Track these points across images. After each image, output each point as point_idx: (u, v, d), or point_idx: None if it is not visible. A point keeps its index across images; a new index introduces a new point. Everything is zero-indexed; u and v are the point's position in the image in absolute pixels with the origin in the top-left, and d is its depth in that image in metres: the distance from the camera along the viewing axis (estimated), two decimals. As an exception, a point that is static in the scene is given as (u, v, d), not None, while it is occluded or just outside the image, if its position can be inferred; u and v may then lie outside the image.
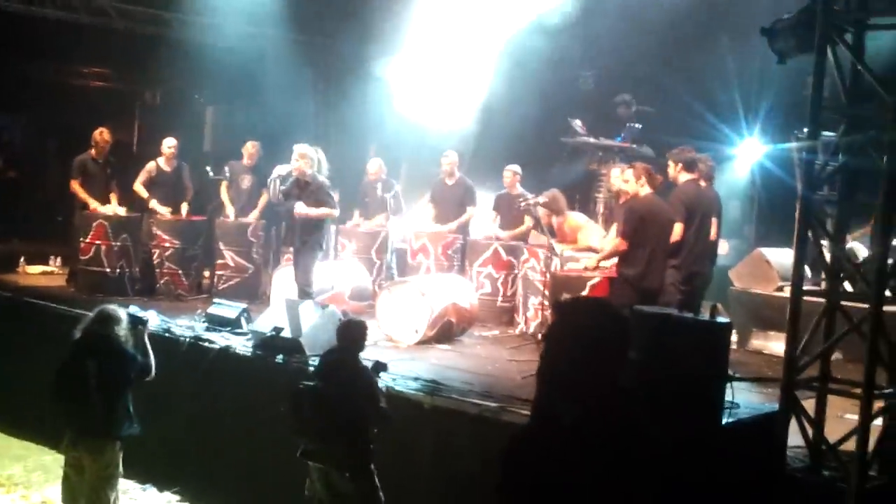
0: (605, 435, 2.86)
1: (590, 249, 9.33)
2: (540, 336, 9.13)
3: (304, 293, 9.15)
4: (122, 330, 6.53)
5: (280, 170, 9.19)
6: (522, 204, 9.94)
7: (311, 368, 7.64)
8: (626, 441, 2.88)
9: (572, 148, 11.83)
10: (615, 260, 8.14)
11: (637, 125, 11.28)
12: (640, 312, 6.00)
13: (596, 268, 8.50)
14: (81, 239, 10.63)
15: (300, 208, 9.15)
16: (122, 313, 6.60)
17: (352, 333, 6.49)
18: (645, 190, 7.98)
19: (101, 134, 11.01)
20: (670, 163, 8.34)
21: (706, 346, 5.83)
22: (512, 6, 11.32)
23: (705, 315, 6.06)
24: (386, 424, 6.22)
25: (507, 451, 3.05)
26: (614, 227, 9.28)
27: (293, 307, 8.44)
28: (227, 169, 11.30)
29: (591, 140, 11.51)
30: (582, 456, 2.85)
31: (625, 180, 8.28)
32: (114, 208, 10.87)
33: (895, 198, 5.90)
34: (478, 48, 11.71)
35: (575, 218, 10.15)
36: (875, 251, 6.04)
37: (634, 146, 11.41)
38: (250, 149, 11.38)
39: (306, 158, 9.24)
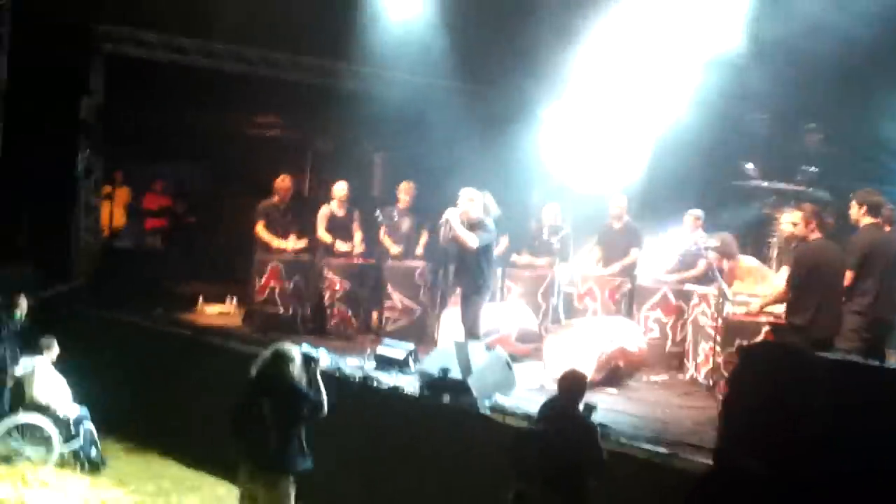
0: (789, 488, 2.76)
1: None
2: (711, 381, 8.91)
3: (472, 335, 9.19)
4: (296, 368, 6.70)
5: (451, 213, 9.29)
6: (705, 248, 9.71)
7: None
8: (811, 495, 2.78)
9: (745, 192, 11.53)
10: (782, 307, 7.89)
11: (813, 168, 10.90)
12: (821, 359, 5.74)
13: (759, 312, 8.27)
14: (257, 280, 11.03)
15: (454, 221, 9.20)
16: (295, 352, 6.78)
17: (572, 384, 6.57)
18: (814, 235, 7.74)
19: (283, 181, 11.46)
20: (854, 204, 8.00)
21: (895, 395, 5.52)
22: (683, 46, 11.17)
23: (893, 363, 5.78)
24: (603, 474, 6.22)
25: (690, 494, 2.99)
26: (783, 270, 8.99)
27: (462, 348, 8.49)
28: (393, 213, 11.49)
29: (764, 184, 11.21)
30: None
31: (793, 223, 8.04)
32: (292, 243, 11.27)
33: None
34: (646, 89, 11.60)
35: (747, 262, 9.88)
36: None
37: (810, 189, 11.04)
38: (405, 188, 11.55)
39: (473, 201, 9.34)
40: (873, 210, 7.95)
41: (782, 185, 11.13)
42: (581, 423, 6.32)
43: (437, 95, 13.79)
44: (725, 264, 9.65)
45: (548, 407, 6.62)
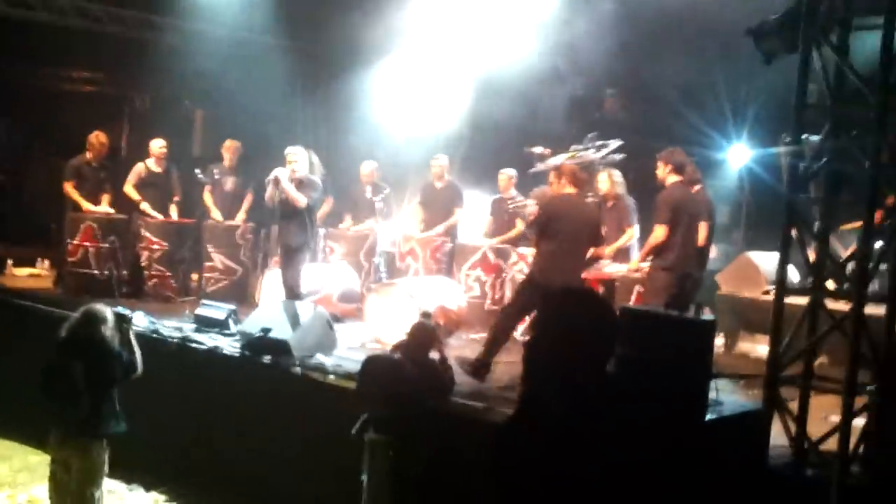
0: (590, 426, 2.88)
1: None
2: (528, 338, 9.15)
3: (293, 294, 9.18)
4: (108, 329, 6.53)
5: (280, 172, 9.25)
6: (512, 206, 10.00)
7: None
8: (610, 432, 2.91)
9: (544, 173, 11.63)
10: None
11: (594, 133, 11.10)
12: (626, 308, 6.03)
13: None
14: (69, 241, 10.63)
15: (284, 180, 9.28)
16: (107, 312, 6.59)
17: (423, 334, 6.97)
18: (673, 178, 8.16)
19: (97, 137, 11.00)
20: (660, 164, 8.34)
21: (690, 343, 5.87)
22: (498, 12, 11.36)
23: (691, 314, 6.10)
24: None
25: (496, 438, 3.08)
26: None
27: (291, 307, 8.49)
28: (216, 172, 11.29)
29: (555, 162, 11.28)
30: (569, 444, 2.87)
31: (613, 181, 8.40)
32: (104, 208, 10.87)
33: (878, 198, 5.97)
34: (466, 54, 11.75)
35: None
36: (857, 251, 6.09)
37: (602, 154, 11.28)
38: (229, 146, 11.37)
39: (299, 159, 9.38)
40: (679, 169, 8.32)
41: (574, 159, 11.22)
42: (429, 364, 6.86)
43: (261, 53, 13.57)
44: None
45: (401, 343, 6.98)
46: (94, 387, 6.36)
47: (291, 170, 9.39)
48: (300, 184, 9.38)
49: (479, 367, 7.81)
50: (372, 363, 6.93)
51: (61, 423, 6.45)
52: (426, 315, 7.47)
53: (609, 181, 9.63)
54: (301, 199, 9.27)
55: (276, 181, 9.27)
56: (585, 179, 8.37)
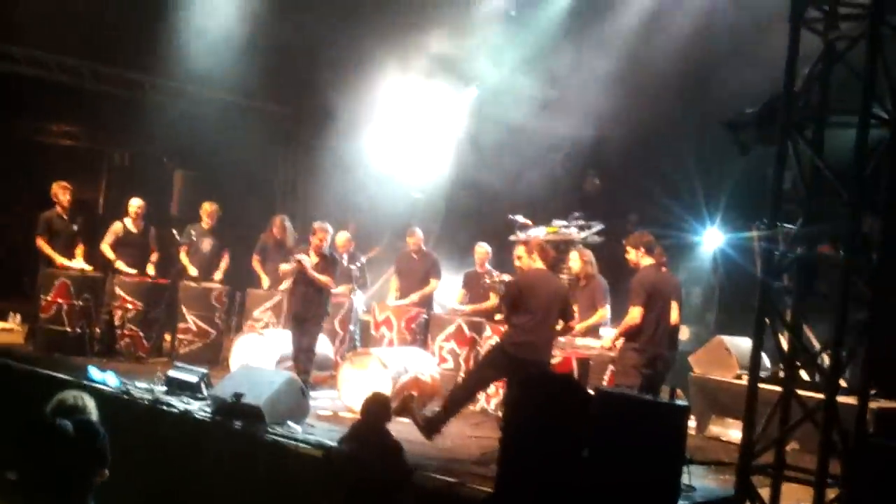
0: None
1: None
2: (500, 413, 9.18)
3: (309, 362, 9.70)
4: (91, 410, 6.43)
5: (302, 258, 9.79)
6: (488, 281, 10.10)
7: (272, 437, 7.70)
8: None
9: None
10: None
11: (578, 213, 11.23)
12: (601, 391, 6.08)
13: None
14: (43, 297, 10.56)
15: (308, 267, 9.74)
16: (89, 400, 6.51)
17: (377, 408, 6.75)
18: (646, 260, 8.26)
19: (59, 185, 10.93)
20: (629, 248, 8.48)
21: (664, 427, 5.91)
22: (480, 80, 11.60)
23: (665, 398, 6.16)
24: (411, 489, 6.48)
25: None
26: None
27: (263, 373, 8.58)
28: (193, 233, 11.32)
29: (536, 234, 11.40)
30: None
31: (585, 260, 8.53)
32: (79, 263, 10.82)
33: (850, 289, 6.09)
34: (446, 123, 11.93)
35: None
36: (830, 342, 6.20)
37: (583, 234, 11.42)
38: (208, 209, 11.41)
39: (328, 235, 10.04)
40: (650, 250, 8.45)
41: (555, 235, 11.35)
42: (387, 442, 6.55)
43: (243, 114, 13.70)
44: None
45: (357, 430, 6.74)
46: (79, 453, 6.19)
47: (316, 245, 9.86)
48: (325, 260, 9.87)
49: (434, 425, 7.90)
50: (336, 457, 6.78)
51: (41, 492, 6.24)
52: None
53: (580, 261, 9.73)
54: (330, 284, 9.87)
55: (301, 266, 9.72)
56: (553, 255, 8.48)
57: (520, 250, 8.56)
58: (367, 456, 6.42)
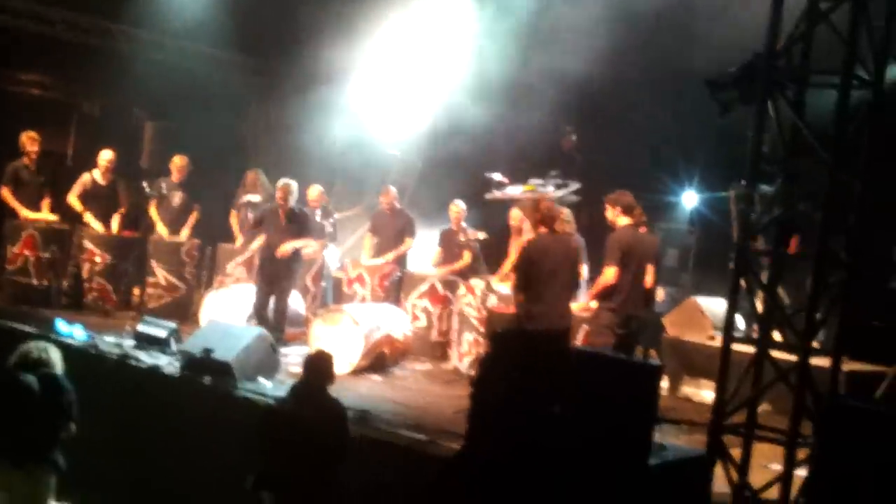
0: (533, 465, 2.87)
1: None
2: (473, 372, 9.14)
3: (282, 320, 9.67)
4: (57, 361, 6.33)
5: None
6: (463, 239, 10.02)
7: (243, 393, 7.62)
8: (554, 473, 2.90)
9: (499, 201, 11.59)
10: None
11: (556, 171, 11.11)
12: (575, 350, 6.03)
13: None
14: (9, 248, 10.39)
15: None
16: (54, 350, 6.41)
17: (320, 365, 6.47)
18: (623, 220, 8.17)
19: (28, 135, 10.71)
20: (608, 206, 8.39)
21: (636, 387, 5.86)
22: (459, 43, 11.44)
23: (638, 358, 6.13)
24: (345, 457, 6.24)
25: (439, 475, 3.05)
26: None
27: (233, 328, 8.55)
28: (163, 186, 11.14)
29: (516, 194, 11.31)
30: (514, 484, 2.86)
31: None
32: (45, 215, 10.63)
33: (827, 251, 6.07)
34: (423, 80, 11.78)
35: None
36: (805, 303, 6.18)
37: (561, 192, 11.34)
38: (178, 163, 11.21)
39: (293, 194, 10.00)
40: (627, 210, 8.36)
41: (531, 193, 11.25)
42: (330, 405, 6.31)
43: (216, 67, 13.49)
44: (526, 226, 9.88)
45: (296, 387, 6.51)
46: (44, 406, 6.11)
47: (280, 204, 9.89)
48: (294, 217, 9.91)
49: None
50: (271, 416, 6.58)
51: (6, 448, 6.13)
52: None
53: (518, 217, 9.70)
54: (311, 248, 10.10)
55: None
56: (557, 216, 8.30)
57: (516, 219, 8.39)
58: (305, 415, 6.19)
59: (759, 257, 6.82)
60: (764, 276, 6.51)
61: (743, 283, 6.35)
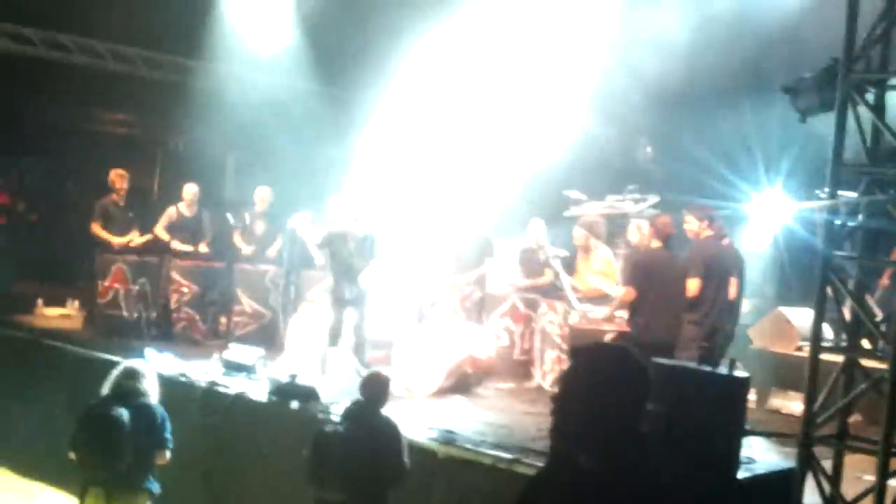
0: (621, 482, 2.84)
1: (604, 296, 9.37)
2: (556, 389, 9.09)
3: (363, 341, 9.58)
4: (149, 385, 6.46)
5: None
6: (543, 257, 9.97)
7: (330, 416, 7.66)
8: (642, 489, 2.87)
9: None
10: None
11: (633, 185, 11.03)
12: (659, 364, 5.96)
13: (611, 318, 8.53)
14: (100, 282, 10.69)
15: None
16: (148, 369, 6.54)
17: (375, 387, 6.41)
18: (707, 232, 8.18)
19: (117, 174, 11.10)
20: (691, 218, 8.30)
21: (724, 399, 5.80)
22: (535, 62, 11.42)
23: (724, 368, 6.03)
24: (402, 481, 6.19)
25: (523, 493, 3.05)
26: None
27: (320, 353, 8.64)
28: (247, 216, 11.37)
29: (594, 211, 11.25)
30: (597, 501, 2.84)
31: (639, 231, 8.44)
32: (133, 236, 10.96)
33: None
34: (499, 102, 11.79)
35: (604, 254, 10.04)
36: (894, 309, 6.03)
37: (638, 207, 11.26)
38: (261, 193, 11.48)
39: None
40: (711, 223, 8.28)
41: (611, 209, 11.18)
42: (386, 427, 6.20)
43: (294, 98, 13.69)
44: (592, 243, 9.85)
45: (352, 410, 6.40)
46: (137, 436, 6.23)
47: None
48: (362, 238, 9.80)
49: None
50: (323, 439, 6.27)
51: (102, 479, 6.26)
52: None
53: (639, 232, 9.61)
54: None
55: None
56: (672, 232, 8.25)
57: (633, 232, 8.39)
58: (359, 437, 6.07)
59: (845, 265, 6.68)
60: (851, 284, 6.37)
61: (829, 291, 6.22)
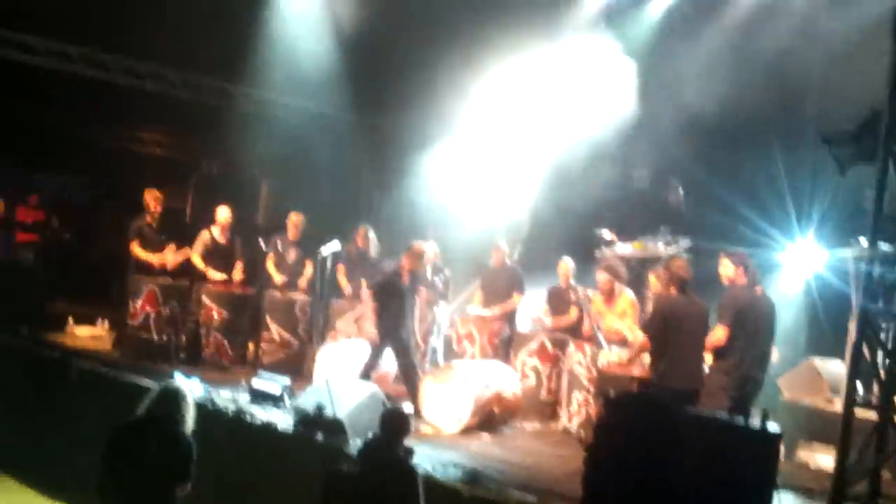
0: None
1: (625, 339, 9.37)
2: (583, 433, 9.04)
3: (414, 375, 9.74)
4: (186, 411, 6.35)
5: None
6: (573, 297, 9.96)
7: (351, 450, 7.63)
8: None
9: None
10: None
11: (666, 227, 11.00)
12: (690, 414, 5.92)
13: (633, 362, 8.50)
14: (131, 303, 10.76)
15: None
16: (187, 393, 6.42)
17: (395, 424, 6.23)
18: (743, 280, 8.13)
19: (151, 194, 11.13)
20: (728, 263, 8.25)
21: (755, 454, 5.73)
22: (567, 102, 11.46)
23: (756, 421, 5.97)
24: None
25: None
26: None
27: (347, 385, 8.58)
28: (279, 242, 11.42)
29: (623, 253, 11.21)
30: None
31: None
32: (172, 257, 11.02)
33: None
34: (534, 139, 11.83)
35: (628, 296, 10.02)
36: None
37: (670, 250, 11.20)
38: (294, 220, 11.52)
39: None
40: (746, 270, 8.23)
41: (642, 252, 11.12)
42: (401, 467, 6.02)
43: (331, 127, 13.78)
44: (617, 287, 9.82)
45: (368, 447, 6.21)
46: (159, 469, 6.15)
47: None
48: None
49: None
50: (335, 479, 6.07)
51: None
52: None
53: (658, 282, 9.54)
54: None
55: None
56: (687, 277, 8.21)
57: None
58: (370, 480, 5.87)
59: (880, 319, 6.62)
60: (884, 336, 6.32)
61: (865, 346, 6.17)
